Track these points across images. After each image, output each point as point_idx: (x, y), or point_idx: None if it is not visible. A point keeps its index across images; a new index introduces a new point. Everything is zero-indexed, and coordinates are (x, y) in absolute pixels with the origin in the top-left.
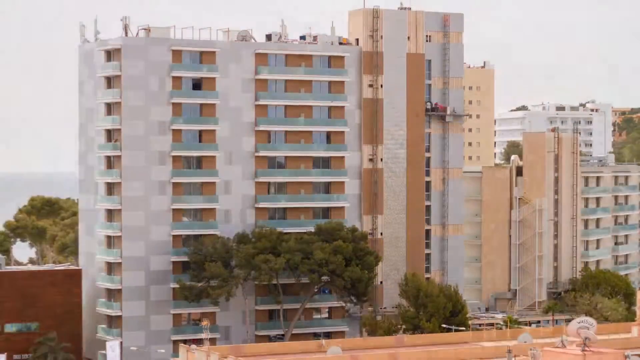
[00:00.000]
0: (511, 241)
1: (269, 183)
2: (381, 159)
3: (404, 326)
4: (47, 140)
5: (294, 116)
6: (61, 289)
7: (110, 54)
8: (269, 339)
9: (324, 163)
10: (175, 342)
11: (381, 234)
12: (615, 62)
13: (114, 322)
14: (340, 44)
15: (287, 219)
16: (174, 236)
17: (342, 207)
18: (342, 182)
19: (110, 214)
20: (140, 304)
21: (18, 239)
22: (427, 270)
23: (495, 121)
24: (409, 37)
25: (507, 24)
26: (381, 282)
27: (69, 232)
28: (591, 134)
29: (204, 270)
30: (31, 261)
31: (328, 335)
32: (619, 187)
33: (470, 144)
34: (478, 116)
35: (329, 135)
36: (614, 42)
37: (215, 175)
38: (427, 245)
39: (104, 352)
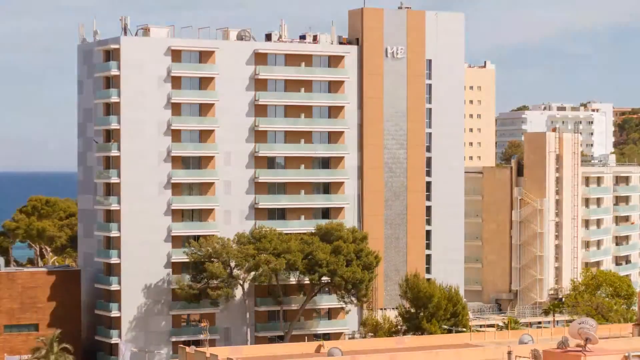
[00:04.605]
0: (512, 241)
1: (268, 183)
2: (381, 160)
3: (404, 327)
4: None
5: (294, 116)
6: (60, 290)
7: (109, 54)
8: (269, 340)
9: (324, 163)
10: (175, 344)
11: (381, 234)
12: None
13: (113, 323)
14: (340, 43)
15: (287, 219)
16: (174, 236)
17: (342, 208)
18: (342, 183)
19: (109, 215)
20: (139, 304)
21: (17, 240)
22: (428, 271)
23: (495, 121)
24: (409, 37)
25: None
26: (381, 283)
27: (67, 233)
28: (592, 134)
29: (204, 271)
30: (30, 262)
31: (328, 336)
32: (620, 188)
33: (471, 144)
34: (479, 116)
35: (329, 135)
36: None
37: (215, 176)
38: (428, 246)
39: (103, 352)
